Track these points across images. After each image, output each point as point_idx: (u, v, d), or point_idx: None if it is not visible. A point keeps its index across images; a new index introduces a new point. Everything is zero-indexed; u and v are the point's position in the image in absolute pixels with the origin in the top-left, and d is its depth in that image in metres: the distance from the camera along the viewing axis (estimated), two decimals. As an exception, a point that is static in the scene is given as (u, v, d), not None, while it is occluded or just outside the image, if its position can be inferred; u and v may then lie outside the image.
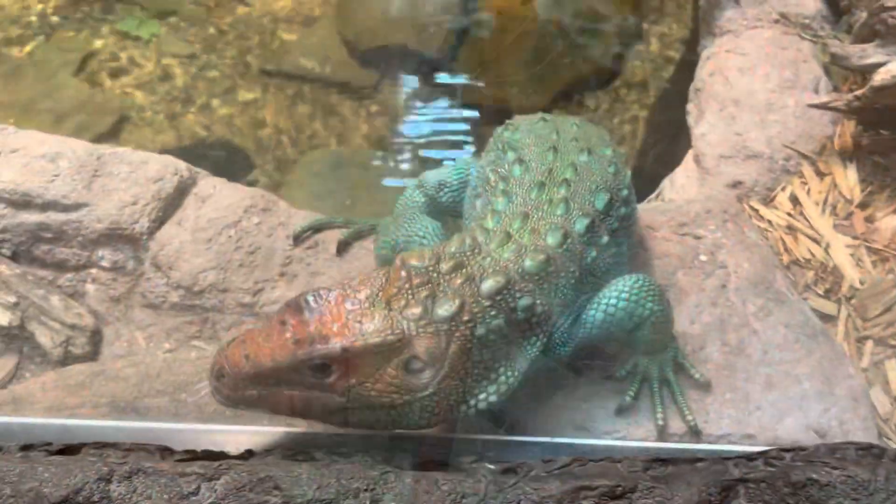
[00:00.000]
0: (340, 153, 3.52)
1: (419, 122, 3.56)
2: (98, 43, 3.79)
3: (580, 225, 1.72)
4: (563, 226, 1.70)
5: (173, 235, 2.09)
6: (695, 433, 1.73)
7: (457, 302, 1.54)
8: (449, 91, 3.64)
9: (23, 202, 2.10)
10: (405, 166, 3.44)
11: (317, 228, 2.16)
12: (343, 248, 2.14)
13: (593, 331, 1.69)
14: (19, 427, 1.77)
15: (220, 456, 1.53)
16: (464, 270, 1.59)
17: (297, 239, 2.13)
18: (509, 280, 1.60)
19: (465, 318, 1.54)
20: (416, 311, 1.52)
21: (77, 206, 2.10)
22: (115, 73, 3.67)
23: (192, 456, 1.53)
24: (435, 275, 1.57)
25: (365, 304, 1.53)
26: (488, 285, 1.58)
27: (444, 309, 1.53)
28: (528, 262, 1.63)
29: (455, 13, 3.85)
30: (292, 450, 1.54)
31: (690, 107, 2.59)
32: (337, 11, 3.96)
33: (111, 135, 3.44)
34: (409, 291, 1.54)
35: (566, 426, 1.71)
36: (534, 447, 1.55)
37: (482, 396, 1.58)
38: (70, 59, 3.70)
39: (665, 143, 3.35)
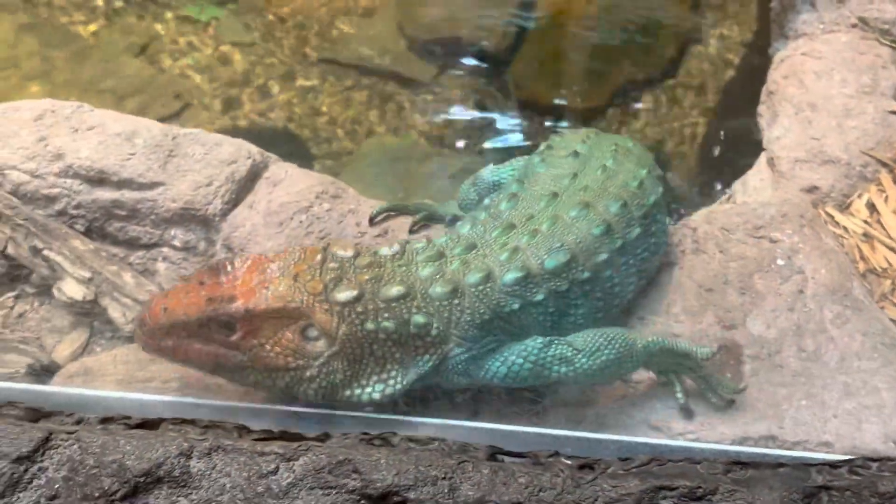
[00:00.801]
0: (396, 144, 3.52)
1: (474, 116, 3.55)
2: (159, 27, 3.83)
3: (510, 276, 1.72)
4: (490, 270, 1.72)
5: (245, 218, 2.10)
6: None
7: (355, 292, 1.66)
8: (505, 87, 3.63)
9: (98, 179, 2.13)
10: (459, 160, 3.43)
11: (393, 211, 2.18)
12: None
13: (494, 380, 1.72)
14: (93, 399, 1.78)
15: (298, 437, 1.53)
16: (376, 270, 1.70)
17: (373, 220, 2.15)
18: (410, 294, 1.68)
19: (359, 309, 1.66)
20: (318, 287, 1.66)
21: (152, 185, 2.12)
22: (176, 57, 3.71)
23: (270, 435, 1.54)
24: (348, 265, 1.70)
25: (275, 273, 1.67)
26: (387, 289, 1.68)
27: (342, 293, 1.66)
28: (436, 287, 1.69)
29: (515, 9, 3.84)
30: (369, 434, 1.54)
31: (762, 109, 2.55)
32: (397, 3, 3.96)
33: (171, 117, 3.48)
34: (318, 271, 1.68)
35: (640, 425, 1.69)
36: (609, 445, 1.54)
37: (367, 389, 1.70)
38: (133, 42, 3.74)
39: (728, 145, 3.31)
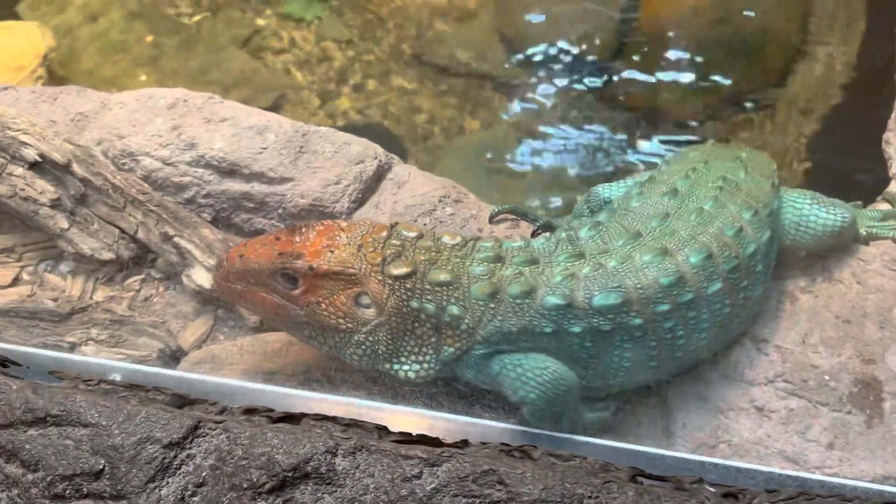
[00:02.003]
0: (489, 143, 3.51)
1: (573, 122, 3.53)
2: (261, 21, 3.89)
3: (550, 300, 1.72)
4: (536, 288, 1.74)
5: (370, 218, 2.11)
6: None
7: (408, 269, 1.75)
8: (605, 95, 3.60)
9: (229, 171, 2.17)
10: (553, 163, 3.42)
11: (512, 214, 2.20)
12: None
13: (487, 378, 1.78)
14: (213, 386, 1.80)
15: (437, 442, 1.54)
16: (433, 254, 1.78)
17: (492, 219, 2.17)
18: (454, 284, 1.75)
19: (408, 285, 1.75)
20: (377, 259, 1.76)
21: (282, 180, 2.15)
22: (278, 52, 3.76)
23: (408, 438, 1.54)
24: (409, 245, 1.79)
25: (342, 241, 1.79)
26: (436, 274, 1.75)
27: (396, 268, 1.75)
28: (476, 286, 1.75)
29: (618, 16, 3.80)
30: (509, 445, 1.53)
31: (890, 136, 2.47)
32: (496, 6, 3.96)
33: (271, 111, 3.53)
34: (381, 245, 1.78)
35: (775, 456, 1.65)
36: (754, 475, 1.50)
37: (405, 367, 1.79)
38: (236, 35, 3.81)
39: (836, 168, 3.22)
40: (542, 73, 3.65)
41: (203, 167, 2.17)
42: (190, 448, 1.48)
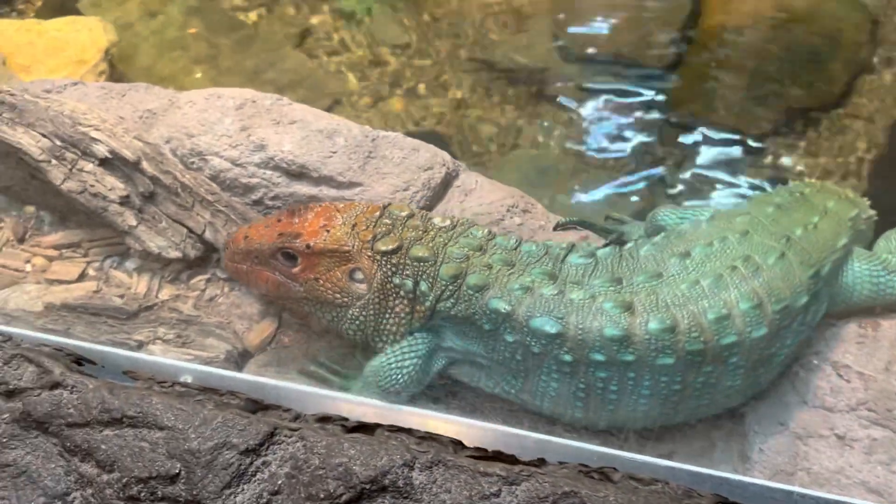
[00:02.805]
0: (543, 156, 3.48)
1: (627, 134, 3.48)
2: (315, 20, 3.89)
3: (492, 304, 1.78)
4: (489, 285, 1.79)
5: (438, 225, 2.09)
6: None
7: (393, 245, 1.83)
8: (662, 105, 3.55)
9: (298, 173, 2.16)
10: (609, 177, 3.38)
11: (580, 226, 2.18)
12: None
13: None
14: (285, 392, 1.79)
15: (513, 459, 1.51)
16: (420, 233, 1.85)
17: (557, 228, 2.16)
18: (429, 261, 1.82)
19: (394, 261, 1.83)
20: (367, 237, 1.84)
21: (350, 185, 2.14)
22: (330, 52, 3.76)
23: (484, 454, 1.52)
24: (399, 223, 1.86)
25: (338, 220, 1.87)
26: (415, 250, 1.83)
27: (384, 244, 1.84)
28: (444, 266, 1.81)
29: (678, 26, 3.74)
30: (587, 467, 1.50)
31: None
32: (552, 13, 3.92)
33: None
34: (374, 224, 1.86)
35: (858, 487, 1.60)
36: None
37: (387, 341, 1.87)
38: (290, 34, 3.81)
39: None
40: (597, 81, 3.61)
41: (272, 169, 2.16)
42: (266, 455, 1.47)
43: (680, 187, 3.35)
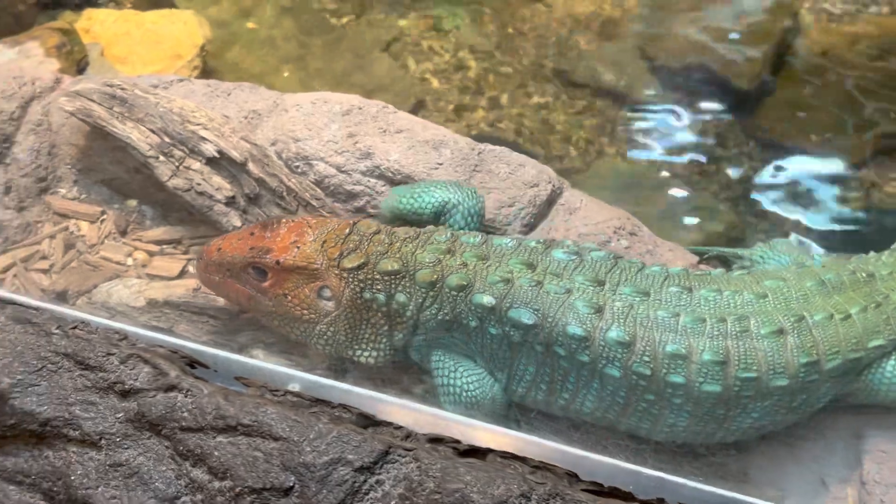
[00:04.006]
0: (627, 169, 3.42)
1: (712, 153, 3.40)
2: (403, 24, 3.88)
3: (480, 298, 1.78)
4: (473, 284, 1.80)
5: (543, 244, 2.05)
6: None
7: (359, 261, 1.85)
8: (751, 127, 3.46)
9: (402, 183, 2.14)
10: (694, 194, 3.29)
11: (720, 256, 2.16)
12: None
13: (428, 367, 1.90)
14: (398, 408, 1.76)
15: (629, 497, 1.46)
16: (386, 246, 1.86)
17: (701, 261, 2.14)
18: (401, 273, 1.83)
19: (360, 276, 1.85)
20: (335, 254, 1.86)
21: (455, 198, 2.11)
22: (417, 57, 3.75)
23: (600, 489, 1.48)
24: (366, 240, 1.88)
25: (309, 237, 1.89)
26: (383, 264, 1.84)
27: (350, 261, 1.85)
28: (420, 273, 1.81)
29: (773, 45, 3.64)
30: (708, 510, 1.45)
31: None
32: (642, 26, 3.86)
33: (406, 118, 3.50)
34: (342, 241, 1.88)
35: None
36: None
37: (367, 353, 1.90)
38: (380, 38, 3.81)
39: None
40: (685, 96, 3.53)
41: (377, 177, 2.15)
42: (380, 474, 1.45)
43: (765, 210, 3.26)
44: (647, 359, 1.72)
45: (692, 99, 3.53)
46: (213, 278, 1.93)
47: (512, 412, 1.91)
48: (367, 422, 1.57)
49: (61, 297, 2.10)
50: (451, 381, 1.84)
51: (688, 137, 3.44)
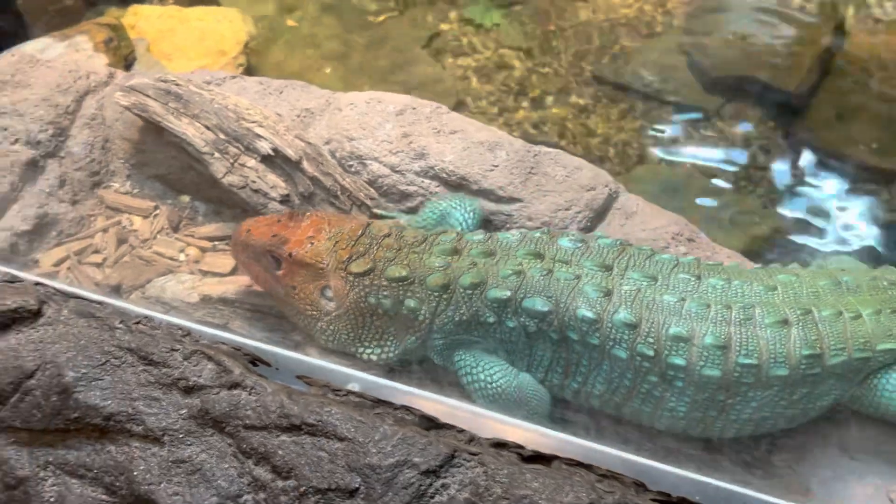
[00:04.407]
0: (669, 173, 3.38)
1: (756, 159, 3.36)
2: (443, 26, 3.87)
3: (494, 293, 1.80)
4: (486, 281, 1.81)
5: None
6: None
7: (366, 267, 1.86)
8: (796, 133, 3.41)
9: (458, 184, 2.13)
10: (738, 202, 3.26)
11: None
12: None
13: (451, 368, 1.90)
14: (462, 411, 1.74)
15: (698, 508, 1.44)
16: (394, 252, 1.87)
17: None
18: (409, 279, 1.84)
19: (366, 282, 1.86)
20: (344, 256, 1.87)
21: (510, 200, 2.10)
22: (457, 56, 3.73)
23: (668, 499, 1.46)
24: (376, 243, 1.89)
25: (325, 234, 1.90)
26: (391, 270, 1.85)
27: (356, 265, 1.87)
28: (431, 277, 1.83)
29: (819, 52, 3.59)
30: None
31: None
32: (685, 29, 3.82)
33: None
34: (353, 243, 1.89)
35: None
36: None
37: (368, 351, 1.92)
38: (419, 36, 3.80)
39: None
40: (727, 100, 3.49)
41: (431, 178, 2.14)
42: (445, 478, 1.44)
43: (808, 219, 3.22)
44: (651, 340, 1.76)
45: (735, 103, 3.50)
46: (241, 257, 1.98)
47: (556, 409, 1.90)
48: (430, 424, 1.56)
49: (115, 290, 2.11)
50: (476, 377, 1.86)
51: (730, 142, 3.40)
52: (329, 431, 1.48)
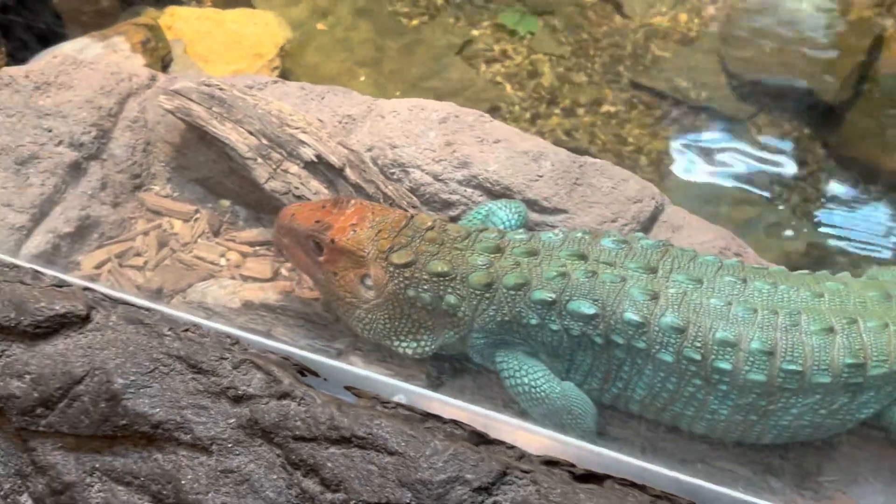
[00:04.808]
0: (703, 185, 3.35)
1: (793, 169, 3.32)
2: (475, 32, 3.85)
3: (538, 294, 1.78)
4: (530, 283, 1.80)
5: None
6: None
7: (407, 259, 1.85)
8: (831, 142, 3.37)
9: (501, 194, 2.11)
10: (773, 212, 3.21)
11: None
12: None
13: (492, 368, 1.90)
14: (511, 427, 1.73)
15: (754, 531, 1.42)
16: (437, 246, 1.85)
17: None
18: (451, 275, 1.82)
19: (407, 274, 1.84)
20: (385, 246, 1.86)
21: (555, 211, 2.08)
22: (490, 62, 3.72)
23: (723, 523, 1.44)
24: (419, 235, 1.87)
25: (368, 223, 1.89)
26: (433, 265, 1.83)
27: (398, 258, 1.85)
28: (473, 275, 1.81)
29: (857, 62, 3.54)
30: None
31: None
32: (721, 35, 3.78)
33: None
34: (396, 234, 1.87)
35: None
36: None
37: (403, 344, 1.91)
38: (453, 43, 3.79)
39: None
40: (763, 110, 3.45)
41: (474, 187, 2.12)
42: (497, 495, 1.42)
43: (845, 230, 3.17)
44: (697, 344, 1.74)
45: (771, 112, 3.46)
46: (283, 241, 1.97)
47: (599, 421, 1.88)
48: (480, 440, 1.54)
49: (157, 294, 2.11)
50: (520, 380, 1.84)
51: (765, 152, 3.36)
52: (379, 445, 1.47)
